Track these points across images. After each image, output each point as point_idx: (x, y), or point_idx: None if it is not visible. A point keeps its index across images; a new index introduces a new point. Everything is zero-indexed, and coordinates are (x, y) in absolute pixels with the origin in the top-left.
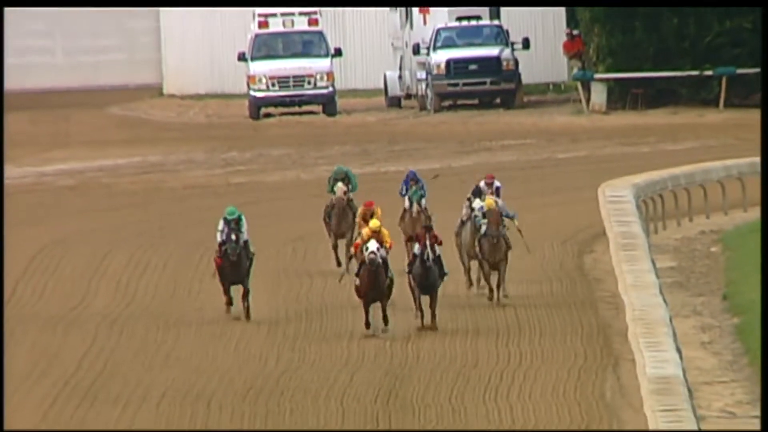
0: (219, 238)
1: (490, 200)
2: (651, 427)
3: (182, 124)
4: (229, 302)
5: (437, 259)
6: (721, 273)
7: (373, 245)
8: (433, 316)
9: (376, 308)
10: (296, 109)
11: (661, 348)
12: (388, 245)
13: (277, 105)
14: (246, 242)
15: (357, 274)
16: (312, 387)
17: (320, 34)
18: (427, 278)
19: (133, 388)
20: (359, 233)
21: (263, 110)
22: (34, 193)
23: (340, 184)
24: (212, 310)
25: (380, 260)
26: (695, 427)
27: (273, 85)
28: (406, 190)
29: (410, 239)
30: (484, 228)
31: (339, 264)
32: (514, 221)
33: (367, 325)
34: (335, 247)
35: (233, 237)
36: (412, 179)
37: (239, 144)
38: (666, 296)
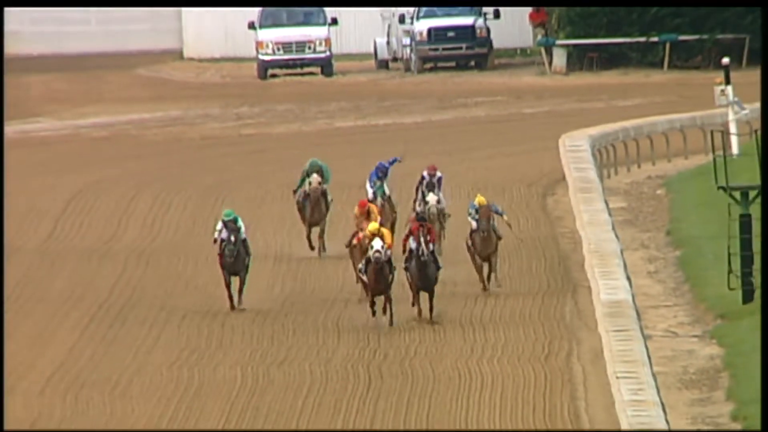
0: (216, 236)
1: (481, 197)
2: (604, 343)
3: (200, 84)
4: (231, 302)
5: (432, 254)
6: (665, 212)
7: (377, 244)
8: (431, 309)
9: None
10: (298, 70)
11: (613, 277)
12: (387, 245)
13: (281, 67)
14: (244, 240)
15: (363, 271)
16: (312, 311)
17: (319, 5)
18: (425, 274)
19: (158, 311)
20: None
21: (270, 71)
22: (71, 143)
23: (315, 176)
24: None
25: (384, 258)
26: (643, 345)
27: (278, 49)
28: (374, 183)
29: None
30: (475, 224)
31: (312, 248)
32: (503, 217)
33: (373, 313)
34: (308, 236)
35: (232, 239)
36: (381, 174)
37: (249, 101)
38: (618, 232)
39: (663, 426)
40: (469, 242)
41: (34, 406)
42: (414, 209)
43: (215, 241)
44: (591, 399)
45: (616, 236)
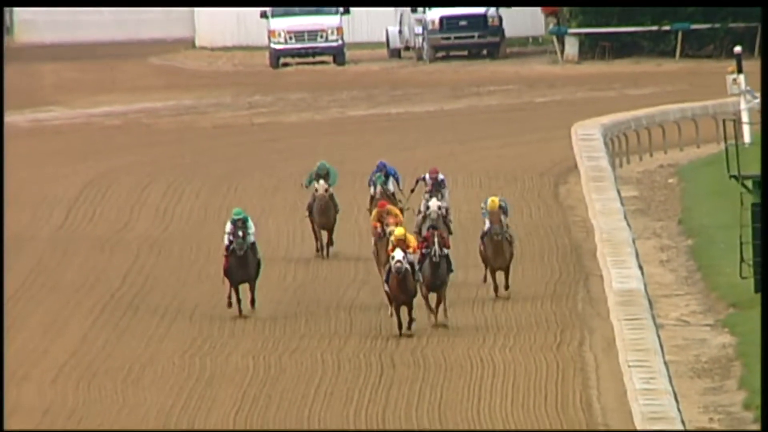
0: (225, 241)
1: (494, 199)
2: (616, 332)
3: (212, 72)
4: (230, 305)
5: (446, 257)
6: (677, 201)
7: (398, 254)
8: (444, 311)
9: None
10: (310, 59)
11: (625, 265)
12: (412, 250)
13: (294, 56)
14: (253, 244)
15: (386, 281)
16: (324, 299)
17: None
18: (437, 276)
19: (170, 301)
20: (378, 231)
21: (282, 60)
22: (84, 132)
23: (322, 182)
24: None
25: (406, 267)
26: (655, 334)
27: (290, 38)
28: (374, 177)
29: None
30: (488, 224)
31: (318, 250)
32: (503, 218)
33: (400, 326)
34: (318, 237)
35: (240, 233)
36: (380, 169)
37: (261, 89)
38: (630, 221)
39: (675, 415)
40: (481, 248)
41: (46, 394)
42: (419, 211)
43: (226, 248)
44: (603, 388)
45: (629, 225)
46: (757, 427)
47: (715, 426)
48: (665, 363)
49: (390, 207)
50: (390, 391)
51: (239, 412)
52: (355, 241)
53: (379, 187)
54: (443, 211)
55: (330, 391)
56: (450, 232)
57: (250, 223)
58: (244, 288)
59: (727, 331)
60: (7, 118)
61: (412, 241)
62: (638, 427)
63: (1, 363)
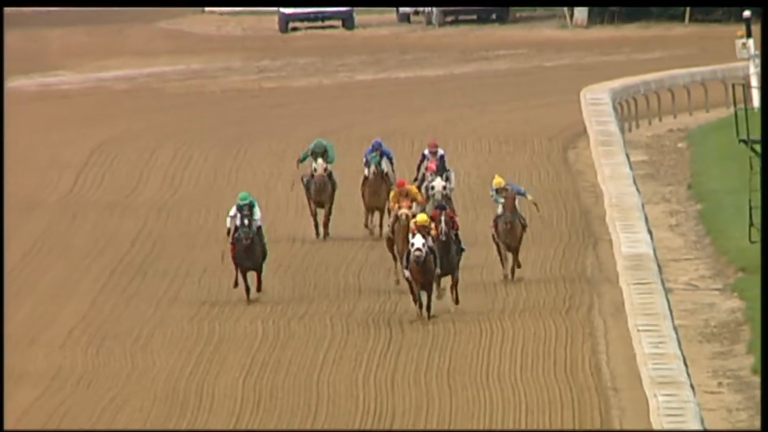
0: (228, 224)
1: (498, 178)
2: (625, 296)
3: (221, 37)
4: (236, 285)
5: (455, 237)
6: (687, 165)
7: (418, 241)
8: (456, 297)
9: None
10: (319, 23)
11: (634, 230)
12: (435, 234)
13: (302, 20)
14: (259, 228)
15: (406, 267)
16: (333, 264)
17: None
18: (447, 257)
19: (179, 264)
20: (391, 212)
21: (291, 25)
22: (93, 96)
23: (320, 161)
24: None
25: (425, 254)
26: (664, 298)
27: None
28: (369, 156)
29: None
30: (501, 209)
31: (318, 234)
32: (528, 197)
33: (422, 307)
34: (314, 216)
35: (246, 222)
36: (375, 149)
37: (270, 54)
38: (639, 185)
39: (684, 380)
40: (493, 230)
41: (56, 358)
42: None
43: (228, 231)
44: (612, 352)
45: (638, 190)
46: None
47: (724, 390)
48: (674, 327)
49: (409, 187)
50: (399, 356)
51: (248, 376)
52: (362, 209)
53: (373, 167)
54: (448, 191)
55: (339, 355)
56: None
57: (257, 209)
58: (250, 274)
59: (736, 296)
60: (15, 83)
61: (434, 227)
62: (647, 391)
63: (1, 363)
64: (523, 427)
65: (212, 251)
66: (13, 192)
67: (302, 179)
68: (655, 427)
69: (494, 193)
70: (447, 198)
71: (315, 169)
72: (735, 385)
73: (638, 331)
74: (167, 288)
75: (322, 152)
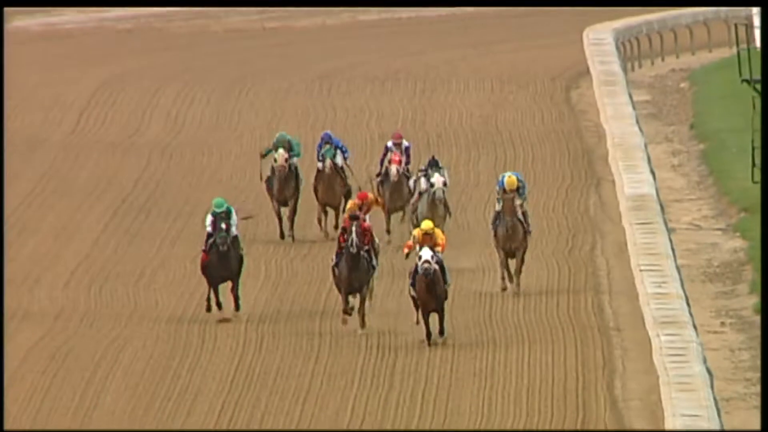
0: (209, 229)
1: (511, 177)
2: (628, 236)
3: None
4: (209, 308)
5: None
6: (689, 105)
7: (426, 253)
8: (362, 324)
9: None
10: None
11: (637, 170)
12: (440, 248)
13: None
14: (236, 237)
15: (411, 285)
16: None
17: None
18: (355, 270)
19: (182, 205)
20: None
21: None
22: (95, 36)
23: (281, 151)
24: (251, 139)
25: (435, 268)
26: (667, 238)
27: None
28: (320, 150)
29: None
30: (499, 206)
31: (282, 236)
32: (519, 200)
33: (428, 335)
34: (278, 213)
35: (222, 226)
36: (326, 141)
37: None
38: (641, 125)
39: (687, 319)
40: (492, 232)
41: (58, 298)
42: (379, 182)
43: (206, 242)
44: (615, 292)
45: (640, 130)
46: None
47: (727, 330)
48: (677, 267)
49: (370, 195)
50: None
51: (250, 318)
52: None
53: (328, 161)
54: (446, 188)
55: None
56: (449, 214)
57: (234, 216)
58: (224, 288)
59: (738, 236)
60: (19, 23)
61: (440, 236)
62: (650, 331)
63: (1, 365)
64: (525, 418)
65: (215, 191)
66: (17, 130)
67: (266, 181)
68: (657, 366)
69: (500, 190)
70: (443, 199)
71: (275, 160)
72: (737, 325)
73: (641, 270)
74: (170, 228)
75: (284, 145)
